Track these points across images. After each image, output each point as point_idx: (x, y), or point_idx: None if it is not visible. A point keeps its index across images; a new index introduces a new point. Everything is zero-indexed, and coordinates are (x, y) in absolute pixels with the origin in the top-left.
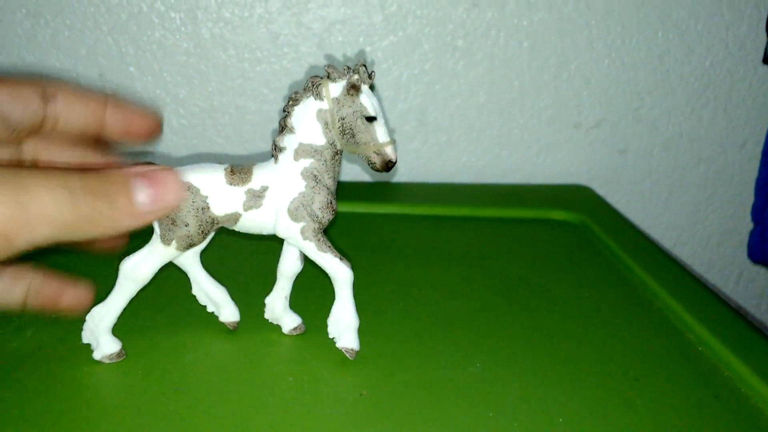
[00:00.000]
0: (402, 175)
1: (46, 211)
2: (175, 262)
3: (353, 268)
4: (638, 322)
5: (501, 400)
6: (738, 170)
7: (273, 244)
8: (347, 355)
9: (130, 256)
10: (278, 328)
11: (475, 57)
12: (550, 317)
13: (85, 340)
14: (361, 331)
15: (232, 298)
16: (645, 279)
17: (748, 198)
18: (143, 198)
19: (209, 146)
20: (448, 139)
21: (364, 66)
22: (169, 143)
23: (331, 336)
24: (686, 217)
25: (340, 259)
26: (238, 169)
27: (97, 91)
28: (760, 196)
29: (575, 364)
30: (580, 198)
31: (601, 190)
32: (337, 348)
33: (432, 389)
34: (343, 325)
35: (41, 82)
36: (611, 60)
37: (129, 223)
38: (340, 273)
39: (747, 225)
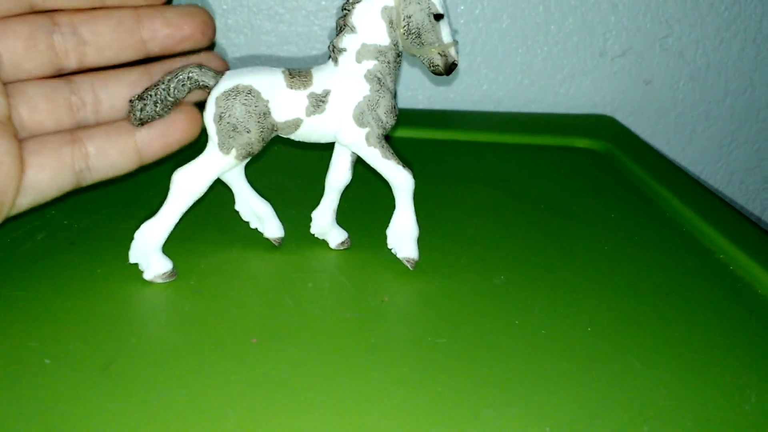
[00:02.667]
0: (420, 102)
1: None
2: (221, 176)
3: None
4: (668, 243)
5: (527, 310)
6: (765, 104)
7: (319, 153)
8: (407, 265)
9: (184, 166)
10: (324, 243)
11: None
12: (576, 236)
13: (132, 260)
14: (376, 241)
15: (277, 212)
16: (673, 203)
17: None
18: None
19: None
20: (468, 66)
21: None
22: None
23: (390, 246)
24: (710, 152)
25: (403, 166)
26: (297, 72)
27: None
28: None
29: (603, 279)
30: (604, 127)
31: (625, 121)
32: (383, 261)
33: (456, 298)
34: (404, 234)
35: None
36: None
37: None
38: (404, 181)
39: None
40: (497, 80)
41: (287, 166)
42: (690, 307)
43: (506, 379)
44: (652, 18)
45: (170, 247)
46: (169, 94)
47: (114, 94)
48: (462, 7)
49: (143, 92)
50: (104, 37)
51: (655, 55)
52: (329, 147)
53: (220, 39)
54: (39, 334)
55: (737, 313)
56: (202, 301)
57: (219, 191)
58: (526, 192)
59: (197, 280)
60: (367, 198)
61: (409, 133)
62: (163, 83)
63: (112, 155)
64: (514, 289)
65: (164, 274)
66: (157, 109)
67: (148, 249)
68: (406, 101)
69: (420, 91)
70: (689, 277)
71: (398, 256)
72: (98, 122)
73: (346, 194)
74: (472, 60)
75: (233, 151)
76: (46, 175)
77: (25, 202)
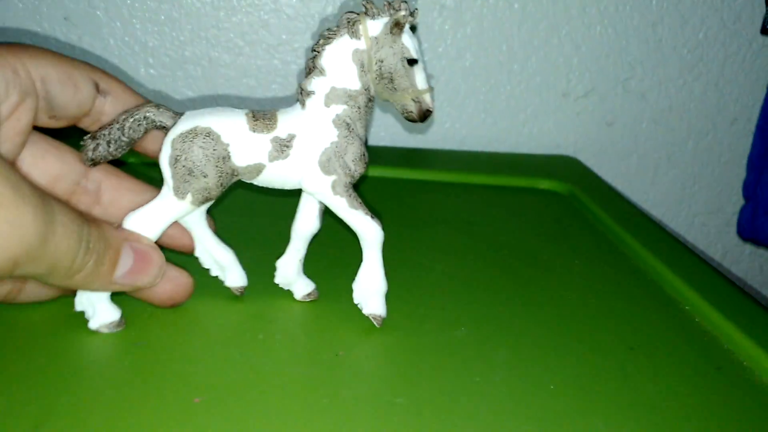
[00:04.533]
0: (381, 139)
1: (56, 254)
2: (179, 219)
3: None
4: (632, 293)
5: (488, 365)
6: (727, 148)
7: (285, 200)
8: (374, 323)
9: (135, 211)
10: (289, 293)
11: (463, 17)
12: (539, 284)
13: (78, 308)
14: (344, 293)
15: (240, 258)
16: (638, 249)
17: (735, 177)
18: (122, 271)
19: (178, 101)
20: None
21: (406, 2)
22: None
23: (356, 301)
24: (673, 194)
25: (372, 217)
26: (261, 114)
27: (149, 100)
28: (753, 172)
29: (566, 331)
30: (567, 168)
31: (588, 162)
32: (351, 315)
33: (415, 352)
34: (371, 289)
35: (97, 72)
36: (603, 27)
37: (98, 286)
38: (371, 233)
39: (733, 205)
40: (460, 119)
41: (253, 209)
42: (655, 363)
43: None
44: (614, 60)
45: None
46: (123, 134)
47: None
48: (426, 45)
49: (97, 131)
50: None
51: (617, 97)
52: (297, 192)
53: (176, 71)
54: None
55: (703, 369)
56: (144, 355)
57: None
58: (489, 235)
59: (141, 332)
60: (337, 245)
61: (368, 171)
62: (118, 122)
63: (41, 291)
64: (475, 343)
65: (111, 323)
66: (110, 149)
67: (95, 296)
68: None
69: (382, 128)
70: (654, 330)
71: (364, 312)
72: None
73: (316, 241)
74: (435, 98)
75: (189, 196)
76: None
77: None
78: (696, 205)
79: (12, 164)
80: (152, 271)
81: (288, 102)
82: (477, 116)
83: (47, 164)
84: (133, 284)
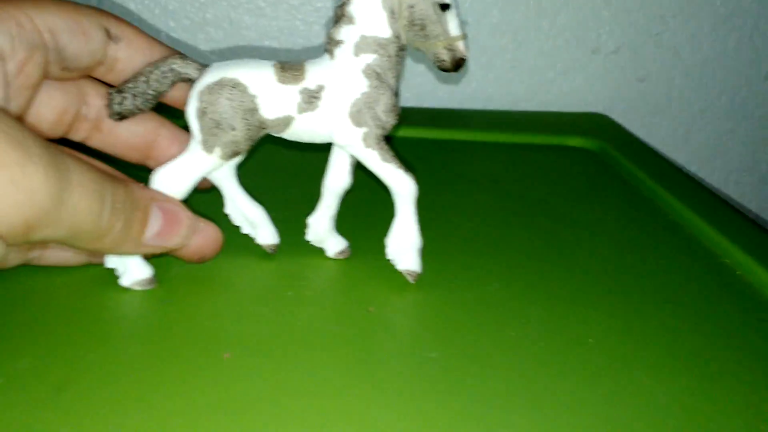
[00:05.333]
0: (407, 99)
1: (75, 217)
2: (209, 176)
3: None
4: (669, 247)
5: (523, 320)
6: (761, 103)
7: (316, 154)
8: (408, 278)
9: (164, 165)
10: (321, 251)
11: None
12: (572, 241)
13: (108, 265)
14: (377, 249)
15: (271, 217)
16: (674, 204)
17: None
18: (151, 233)
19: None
20: None
21: None
22: None
23: (389, 257)
24: (706, 151)
25: (405, 170)
26: (289, 65)
27: (163, 43)
28: None
29: (602, 287)
30: (597, 125)
31: (619, 120)
32: (384, 272)
33: (448, 308)
34: (405, 244)
35: (106, 17)
36: None
37: (127, 249)
38: (405, 186)
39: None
40: (487, 77)
41: (283, 167)
42: (695, 316)
43: (502, 397)
44: (645, 14)
45: None
46: (149, 87)
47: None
48: None
49: (122, 85)
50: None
51: (649, 52)
52: (327, 147)
53: (197, 33)
54: None
55: (747, 321)
56: (173, 313)
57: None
58: (519, 193)
59: (171, 290)
60: (370, 201)
61: (393, 131)
62: (143, 75)
63: (66, 255)
64: (508, 298)
65: (143, 280)
66: (137, 102)
67: None
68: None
69: (406, 89)
70: (693, 283)
71: (398, 267)
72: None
73: (348, 197)
74: None
75: (217, 150)
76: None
77: None
78: (730, 162)
79: (20, 119)
80: (181, 232)
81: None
82: (504, 74)
83: (53, 99)
84: (163, 246)
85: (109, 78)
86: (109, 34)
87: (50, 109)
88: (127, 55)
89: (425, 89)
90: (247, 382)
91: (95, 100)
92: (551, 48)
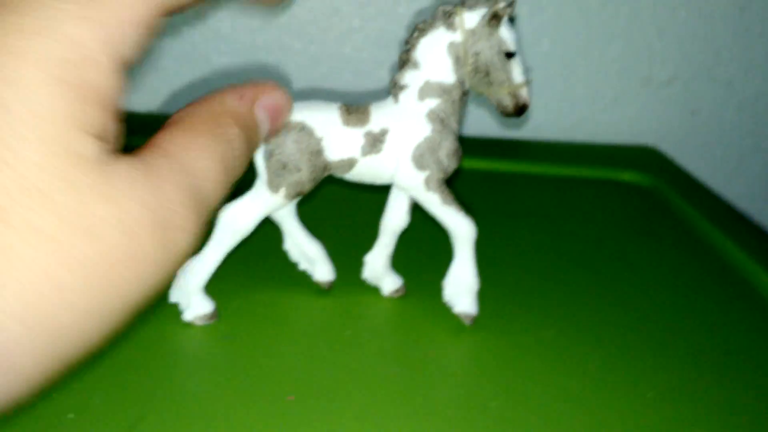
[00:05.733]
0: None
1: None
2: (270, 213)
3: None
4: (724, 292)
5: (580, 369)
6: None
7: (373, 195)
8: (464, 321)
9: (230, 204)
10: (377, 289)
11: (541, 1)
12: (627, 283)
13: (173, 299)
14: (432, 289)
15: (328, 254)
16: (728, 247)
17: None
18: (264, 132)
19: None
20: None
21: None
22: (210, 83)
23: (446, 298)
24: (758, 186)
25: (465, 214)
26: (354, 108)
27: None
28: None
29: (658, 334)
30: (649, 159)
31: (669, 152)
32: (439, 313)
33: (506, 353)
34: (462, 287)
35: None
36: (688, 11)
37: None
38: (464, 230)
39: None
40: (537, 105)
41: (341, 206)
42: (753, 369)
43: None
44: (699, 46)
45: (208, 286)
46: None
47: None
48: None
49: None
50: None
51: (702, 84)
52: (386, 188)
53: (249, 58)
54: (62, 384)
55: None
56: (235, 350)
57: (266, 229)
58: (573, 230)
59: (231, 325)
60: (425, 240)
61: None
62: None
63: None
64: (565, 345)
65: (205, 315)
66: None
67: (190, 288)
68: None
69: None
70: (749, 332)
71: (454, 310)
72: None
73: (404, 237)
74: None
75: (282, 190)
76: None
77: None
78: None
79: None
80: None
81: (377, 96)
82: (553, 104)
83: None
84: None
85: None
86: None
87: None
88: None
89: (473, 117)
90: (313, 426)
91: None
92: (602, 78)
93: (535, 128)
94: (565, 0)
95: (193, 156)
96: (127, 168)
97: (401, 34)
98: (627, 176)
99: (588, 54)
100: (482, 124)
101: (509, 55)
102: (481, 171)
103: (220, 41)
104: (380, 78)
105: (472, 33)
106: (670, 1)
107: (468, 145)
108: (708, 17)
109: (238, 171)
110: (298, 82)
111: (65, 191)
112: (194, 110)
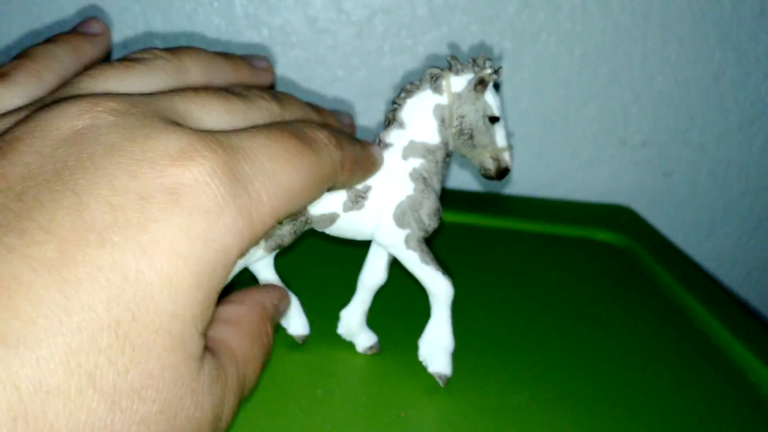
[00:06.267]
0: None
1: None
2: (248, 264)
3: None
4: (696, 358)
5: None
6: None
7: (353, 250)
8: (438, 381)
9: None
10: (351, 345)
11: (522, 60)
12: (601, 345)
13: None
14: (407, 347)
15: (303, 309)
16: (702, 315)
17: None
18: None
19: None
20: None
21: (490, 60)
22: None
23: (421, 358)
24: (728, 248)
25: (443, 273)
26: None
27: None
28: None
29: (632, 401)
30: (623, 219)
31: (643, 212)
32: (414, 371)
33: (479, 417)
34: (438, 347)
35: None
36: (664, 76)
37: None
38: (442, 289)
39: None
40: (515, 161)
41: (319, 259)
42: None
43: None
44: (674, 110)
45: None
46: None
47: None
48: None
49: None
50: None
51: (676, 148)
52: (365, 243)
53: None
54: None
55: None
56: None
57: (244, 278)
58: (546, 288)
59: None
60: (402, 300)
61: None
62: None
63: None
64: (539, 410)
65: None
66: None
67: None
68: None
69: None
70: (721, 402)
71: (429, 370)
72: None
73: (381, 294)
74: None
75: (262, 242)
76: None
77: None
78: (751, 261)
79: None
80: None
81: None
82: (529, 161)
83: None
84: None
85: None
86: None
87: None
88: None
89: (451, 171)
90: None
91: None
92: (579, 137)
93: (511, 183)
94: (545, 61)
95: (250, 368)
96: (209, 370)
97: (383, 85)
98: (601, 235)
99: (565, 114)
100: (458, 177)
101: (493, 120)
102: (456, 224)
103: None
104: (361, 128)
105: (458, 96)
106: (647, 67)
107: (444, 198)
108: (683, 83)
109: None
110: None
111: (171, 386)
112: (246, 315)
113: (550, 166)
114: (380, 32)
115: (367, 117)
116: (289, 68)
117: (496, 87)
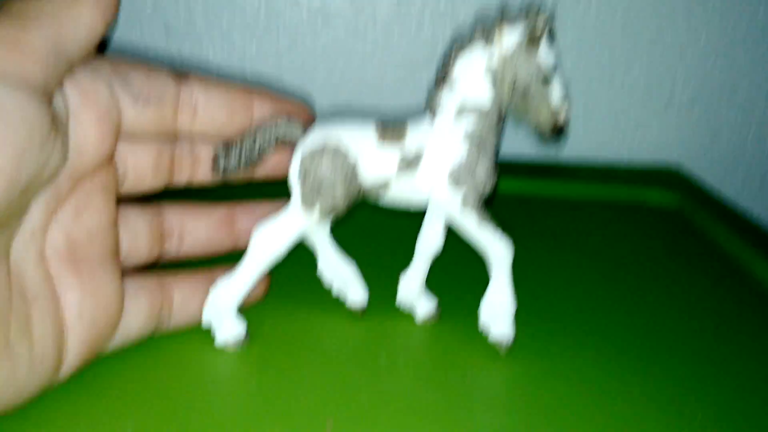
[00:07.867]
0: None
1: None
2: (305, 234)
3: None
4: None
5: (619, 392)
6: None
7: (407, 221)
8: (500, 344)
9: (263, 224)
10: (410, 316)
11: (564, 23)
12: (662, 309)
13: (206, 319)
14: (467, 312)
15: (362, 278)
16: (762, 269)
17: None
18: None
19: None
20: None
21: (543, 13)
22: None
23: (482, 321)
24: None
25: (501, 234)
26: (390, 128)
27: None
28: None
29: (699, 366)
30: (674, 179)
31: (693, 172)
32: (475, 337)
33: (546, 377)
34: (499, 310)
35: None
36: (708, 34)
37: None
38: (501, 251)
39: None
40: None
41: (375, 231)
42: None
43: None
44: (720, 68)
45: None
46: (255, 146)
47: (199, 229)
48: None
49: (227, 145)
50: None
51: (723, 107)
52: (418, 214)
53: (275, 79)
54: (91, 412)
55: None
56: (268, 377)
57: (300, 254)
58: (601, 252)
59: (262, 351)
60: (458, 263)
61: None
62: (249, 137)
63: (193, 307)
64: (604, 372)
65: (237, 337)
66: (241, 162)
67: (222, 309)
68: None
69: None
70: None
71: (491, 333)
72: (178, 257)
73: (438, 262)
74: None
75: (316, 211)
76: (139, 322)
77: (110, 347)
78: None
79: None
80: None
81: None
82: (575, 124)
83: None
84: None
85: (199, 135)
86: (177, 76)
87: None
88: (205, 97)
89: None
90: None
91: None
92: (624, 99)
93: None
94: (588, 23)
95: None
96: None
97: (423, 57)
98: (652, 196)
99: (610, 76)
100: (504, 142)
101: (548, 78)
102: (507, 193)
103: (246, 62)
104: (402, 101)
105: (510, 54)
106: (691, 23)
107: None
108: (728, 41)
109: None
110: (321, 104)
111: None
112: None
113: (597, 129)
114: (419, 4)
115: (407, 89)
116: (329, 43)
117: (551, 37)
